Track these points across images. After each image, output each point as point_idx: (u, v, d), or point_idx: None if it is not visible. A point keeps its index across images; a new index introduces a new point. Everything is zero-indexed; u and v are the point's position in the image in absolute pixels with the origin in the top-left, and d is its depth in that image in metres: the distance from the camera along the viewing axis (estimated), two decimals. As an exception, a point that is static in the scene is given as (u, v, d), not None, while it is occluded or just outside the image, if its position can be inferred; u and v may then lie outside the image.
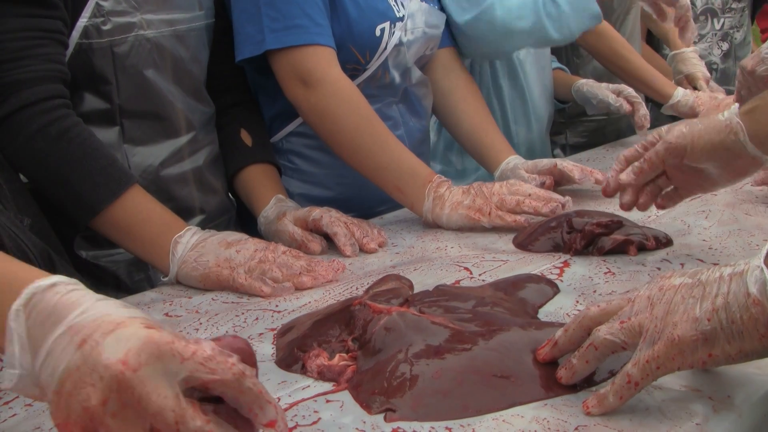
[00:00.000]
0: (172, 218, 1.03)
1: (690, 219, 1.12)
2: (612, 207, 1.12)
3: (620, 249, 0.97)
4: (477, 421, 0.62)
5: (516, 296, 0.84)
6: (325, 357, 0.73)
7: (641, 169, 0.87)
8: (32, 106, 0.98)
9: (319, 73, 1.16)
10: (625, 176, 0.90)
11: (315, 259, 1.01)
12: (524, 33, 1.36)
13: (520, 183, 1.16)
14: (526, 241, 1.06)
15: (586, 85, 1.70)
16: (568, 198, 1.14)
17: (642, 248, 0.98)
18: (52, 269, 0.97)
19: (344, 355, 0.74)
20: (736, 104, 0.82)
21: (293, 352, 0.76)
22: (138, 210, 1.01)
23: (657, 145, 0.86)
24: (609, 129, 1.99)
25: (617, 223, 0.99)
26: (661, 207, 0.95)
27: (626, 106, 1.61)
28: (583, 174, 1.25)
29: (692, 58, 1.95)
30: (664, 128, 0.89)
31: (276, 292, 0.95)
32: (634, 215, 1.08)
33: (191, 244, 1.00)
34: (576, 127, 1.97)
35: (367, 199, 1.32)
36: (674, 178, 0.90)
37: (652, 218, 1.14)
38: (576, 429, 0.60)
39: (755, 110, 0.79)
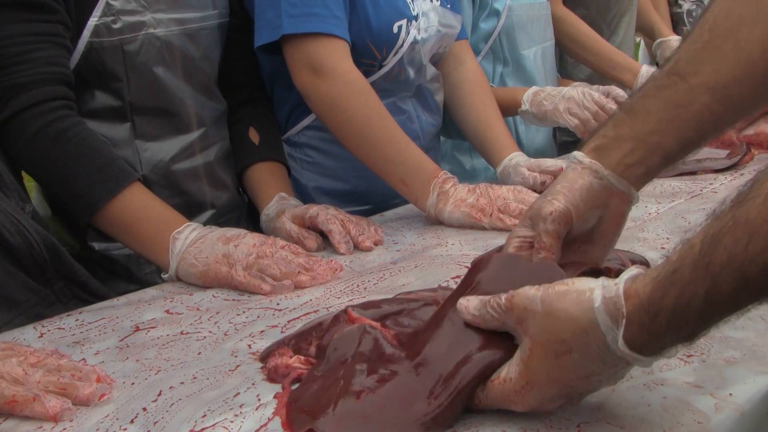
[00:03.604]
0: (172, 215, 1.03)
1: (691, 216, 1.11)
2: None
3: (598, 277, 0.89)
4: (479, 420, 0.62)
5: None
6: (287, 357, 0.73)
7: (547, 259, 0.76)
8: (31, 108, 0.99)
9: (332, 63, 1.16)
10: None
11: (313, 257, 1.00)
12: None
13: (528, 192, 1.16)
14: None
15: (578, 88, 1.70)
16: None
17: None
18: (57, 258, 0.98)
19: (302, 357, 0.73)
20: (574, 152, 0.76)
21: (274, 348, 0.76)
22: (136, 207, 1.01)
23: (540, 227, 0.75)
24: None
25: None
26: None
27: (613, 107, 1.58)
28: None
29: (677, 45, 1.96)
30: (519, 224, 0.79)
31: (276, 290, 0.94)
32: (631, 214, 1.07)
33: (190, 240, 0.99)
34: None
35: (383, 192, 1.32)
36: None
37: (652, 215, 1.14)
38: (578, 426, 0.60)
39: (600, 148, 0.75)
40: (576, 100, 1.40)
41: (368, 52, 1.24)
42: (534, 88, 1.47)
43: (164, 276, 1.01)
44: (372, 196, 1.22)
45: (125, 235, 1.03)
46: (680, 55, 0.72)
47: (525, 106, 1.46)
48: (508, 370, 0.60)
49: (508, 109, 1.50)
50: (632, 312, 0.54)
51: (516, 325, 0.60)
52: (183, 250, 0.98)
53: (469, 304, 0.65)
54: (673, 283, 0.52)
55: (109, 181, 1.01)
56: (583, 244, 0.76)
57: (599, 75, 1.80)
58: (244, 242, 0.98)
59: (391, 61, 1.27)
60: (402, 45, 1.26)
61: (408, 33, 1.26)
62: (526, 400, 0.59)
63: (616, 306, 0.55)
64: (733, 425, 0.60)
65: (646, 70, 1.69)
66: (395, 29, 1.25)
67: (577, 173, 0.75)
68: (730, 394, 0.63)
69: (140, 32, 1.09)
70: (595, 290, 0.56)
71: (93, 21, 1.05)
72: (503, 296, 0.61)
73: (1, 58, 0.98)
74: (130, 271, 1.16)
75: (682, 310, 0.52)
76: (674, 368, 0.68)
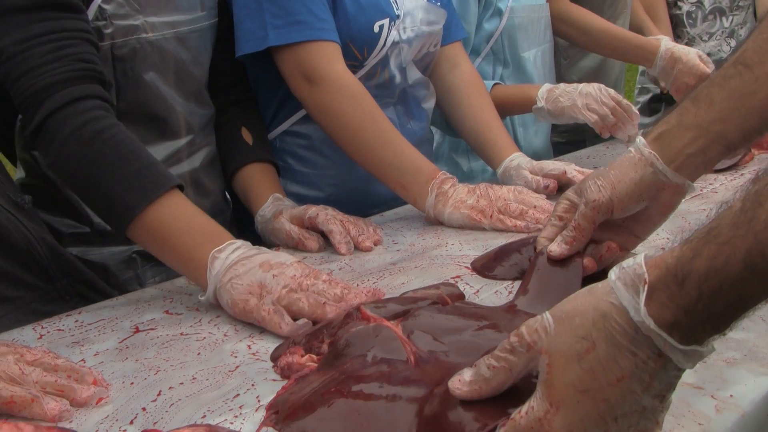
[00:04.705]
0: (215, 229, 0.93)
1: (691, 217, 1.11)
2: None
3: (598, 278, 0.89)
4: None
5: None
6: (299, 355, 0.73)
7: (574, 238, 0.81)
8: (65, 108, 0.93)
9: (323, 69, 1.16)
10: (557, 248, 0.82)
11: (349, 286, 0.87)
12: None
13: (528, 192, 1.16)
14: (488, 265, 0.97)
15: None
16: None
17: None
18: (59, 256, 0.98)
19: (314, 356, 0.72)
20: (639, 137, 0.78)
21: (285, 346, 0.76)
22: (175, 217, 0.92)
23: (580, 208, 0.80)
24: (589, 129, 1.98)
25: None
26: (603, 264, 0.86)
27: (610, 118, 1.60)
28: None
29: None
30: (572, 189, 0.84)
31: (292, 331, 0.81)
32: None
33: (230, 261, 0.88)
34: (557, 126, 1.97)
35: (359, 202, 1.31)
36: (605, 239, 0.84)
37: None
38: (579, 428, 0.60)
39: (663, 136, 0.76)
40: (593, 95, 1.41)
41: (349, 52, 1.23)
42: (547, 85, 1.47)
43: (201, 298, 0.91)
44: (347, 206, 1.20)
45: (162, 247, 0.93)
46: (747, 45, 0.72)
47: (540, 103, 1.45)
48: (530, 400, 0.52)
49: (521, 107, 1.50)
50: (656, 279, 0.48)
51: (528, 352, 0.53)
52: (221, 271, 0.88)
53: (462, 377, 0.56)
54: (708, 242, 0.46)
55: (147, 185, 0.91)
56: (627, 221, 0.81)
57: (620, 60, 1.79)
58: (285, 273, 0.86)
59: (371, 62, 1.26)
60: (384, 45, 1.25)
61: (389, 33, 1.25)
62: (552, 428, 0.51)
63: (636, 273, 0.49)
64: (734, 426, 0.60)
65: (665, 46, 1.66)
66: (376, 29, 1.24)
67: (632, 163, 0.77)
68: (731, 396, 0.63)
69: (132, 36, 1.06)
70: (609, 275, 0.51)
71: None
72: (506, 339, 0.55)
73: (31, 59, 0.93)
74: (107, 275, 1.14)
75: (716, 273, 0.45)
76: (675, 369, 0.68)
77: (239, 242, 0.91)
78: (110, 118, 0.96)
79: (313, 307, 0.82)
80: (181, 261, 0.92)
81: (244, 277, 0.86)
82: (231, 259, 0.88)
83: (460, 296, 0.85)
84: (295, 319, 0.82)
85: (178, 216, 0.92)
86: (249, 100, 1.33)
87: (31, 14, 0.94)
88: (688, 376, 0.66)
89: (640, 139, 0.78)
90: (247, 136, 1.26)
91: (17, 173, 1.19)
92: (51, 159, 0.95)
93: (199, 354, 0.79)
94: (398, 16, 1.27)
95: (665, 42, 1.68)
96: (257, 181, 1.23)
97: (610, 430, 0.50)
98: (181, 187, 0.94)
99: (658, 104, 2.35)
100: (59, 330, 0.88)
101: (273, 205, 1.17)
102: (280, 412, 0.63)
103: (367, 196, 1.29)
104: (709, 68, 1.65)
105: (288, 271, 0.86)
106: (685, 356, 0.48)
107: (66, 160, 0.93)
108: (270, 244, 1.16)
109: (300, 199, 1.26)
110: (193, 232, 0.91)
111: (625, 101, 1.41)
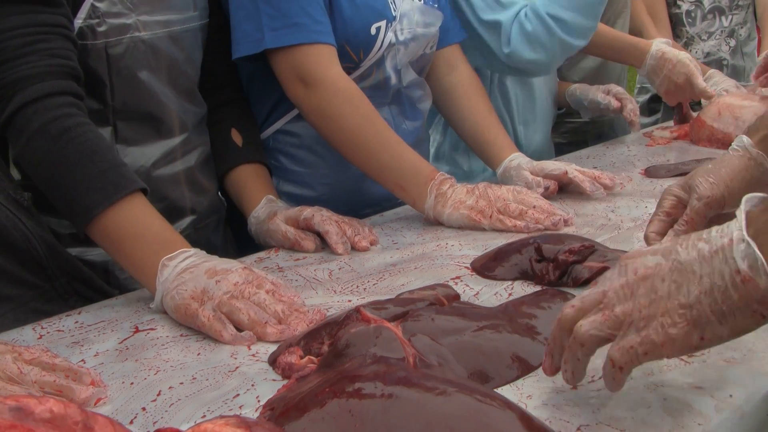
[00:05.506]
0: (170, 236, 0.93)
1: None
2: (585, 229, 1.11)
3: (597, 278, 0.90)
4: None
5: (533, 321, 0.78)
6: (298, 356, 0.73)
7: (685, 232, 0.84)
8: (35, 103, 0.93)
9: (319, 72, 1.15)
10: None
11: (296, 305, 0.86)
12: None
13: (527, 192, 1.16)
14: (488, 266, 0.97)
15: (579, 89, 1.75)
16: (571, 215, 1.14)
17: None
18: (58, 255, 0.97)
19: (313, 357, 0.72)
20: (743, 136, 0.83)
21: (282, 348, 0.76)
22: (133, 221, 0.92)
23: (692, 204, 0.84)
24: (591, 130, 2.00)
25: (589, 248, 0.92)
26: None
27: (614, 103, 1.67)
28: (594, 186, 1.25)
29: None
30: (677, 185, 0.87)
31: (235, 340, 0.82)
32: (630, 214, 1.07)
33: (179, 270, 0.88)
34: (558, 127, 1.98)
35: (352, 201, 1.30)
36: None
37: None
38: (579, 429, 0.60)
39: (766, 140, 0.81)
40: None
41: (345, 54, 1.22)
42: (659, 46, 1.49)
43: (151, 305, 0.91)
44: (339, 205, 1.19)
45: (118, 250, 0.93)
46: None
47: None
48: None
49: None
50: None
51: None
52: (170, 279, 0.88)
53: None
54: None
55: (109, 187, 0.92)
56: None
57: (611, 60, 1.81)
58: (227, 278, 0.86)
59: (366, 63, 1.25)
60: (381, 47, 1.25)
61: (386, 34, 1.25)
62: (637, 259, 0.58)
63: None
64: (734, 426, 0.60)
65: (656, 48, 1.67)
66: (373, 31, 1.23)
67: (742, 162, 0.82)
68: (731, 396, 0.63)
69: (125, 35, 1.06)
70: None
71: (77, 23, 1.02)
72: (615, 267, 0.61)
73: (5, 51, 0.93)
74: (107, 276, 1.13)
75: None
76: (674, 369, 0.68)
77: (192, 251, 0.91)
78: (80, 116, 0.96)
79: (253, 322, 0.82)
80: (134, 266, 0.92)
81: (189, 283, 0.87)
82: (180, 267, 0.88)
83: (456, 297, 0.85)
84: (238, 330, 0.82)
85: (136, 221, 0.92)
86: (240, 100, 1.32)
87: (8, 6, 0.94)
88: (687, 376, 0.67)
89: (746, 139, 0.82)
90: (236, 137, 1.26)
91: (14, 173, 1.19)
92: (17, 152, 0.95)
93: (199, 354, 0.79)
94: (395, 18, 1.27)
95: (656, 42, 1.69)
96: (249, 182, 1.23)
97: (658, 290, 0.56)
98: (145, 191, 0.95)
99: (657, 104, 2.36)
100: (59, 330, 0.88)
101: (267, 207, 1.17)
102: (275, 409, 0.63)
103: (360, 195, 1.29)
104: (699, 70, 1.66)
105: (231, 278, 0.87)
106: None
107: (32, 155, 0.94)
108: (265, 246, 1.16)
109: (293, 199, 1.26)
110: (148, 238, 0.92)
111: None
